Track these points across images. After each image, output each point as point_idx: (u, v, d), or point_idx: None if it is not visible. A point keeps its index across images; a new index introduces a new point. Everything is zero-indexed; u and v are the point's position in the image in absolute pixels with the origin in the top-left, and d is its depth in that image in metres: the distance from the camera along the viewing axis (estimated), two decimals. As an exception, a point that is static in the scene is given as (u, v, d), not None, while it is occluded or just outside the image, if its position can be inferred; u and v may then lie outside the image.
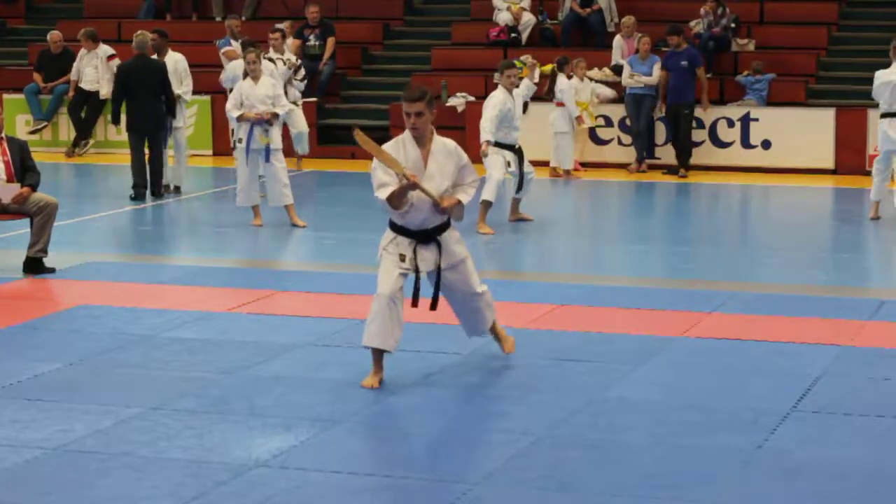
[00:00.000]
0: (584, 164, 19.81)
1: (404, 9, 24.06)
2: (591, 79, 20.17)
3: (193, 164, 18.31)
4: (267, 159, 14.72)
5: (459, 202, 8.59)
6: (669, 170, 19.32)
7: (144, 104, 16.61)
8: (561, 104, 19.04)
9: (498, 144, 14.45)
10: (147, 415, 7.93)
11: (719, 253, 13.84)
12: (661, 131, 19.73)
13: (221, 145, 20.68)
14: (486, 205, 14.42)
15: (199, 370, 8.91)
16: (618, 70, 20.42)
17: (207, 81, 20.53)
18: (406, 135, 8.57)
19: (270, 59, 17.25)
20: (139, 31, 17.19)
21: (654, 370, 8.92)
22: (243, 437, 7.56)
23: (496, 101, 14.39)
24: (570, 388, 8.50)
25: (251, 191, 14.88)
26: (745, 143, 19.69)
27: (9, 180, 12.14)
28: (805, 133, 19.47)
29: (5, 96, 21.96)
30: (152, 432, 7.61)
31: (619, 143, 20.11)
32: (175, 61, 17.40)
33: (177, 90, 17.15)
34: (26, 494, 6.72)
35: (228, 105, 14.86)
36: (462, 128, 19.48)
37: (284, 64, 17.43)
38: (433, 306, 8.78)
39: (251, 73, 14.77)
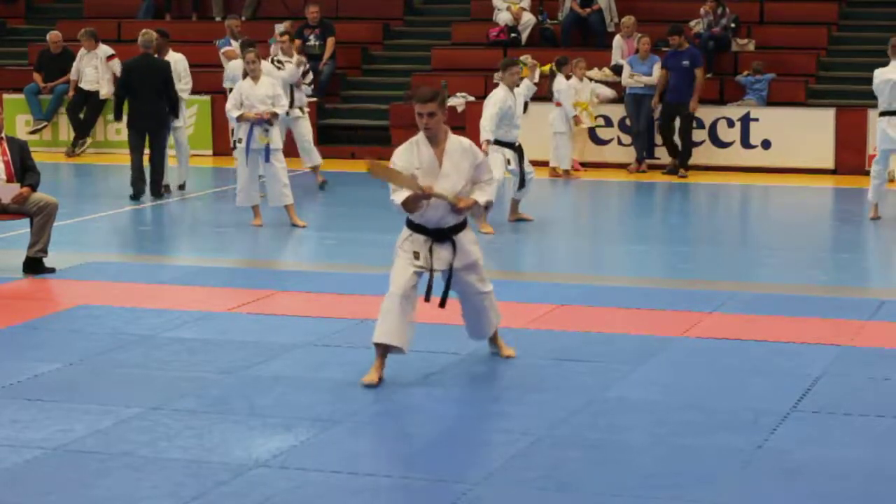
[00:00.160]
0: (584, 164, 19.82)
1: (404, 9, 24.06)
2: (590, 79, 20.17)
3: (193, 164, 18.30)
4: (267, 159, 14.72)
5: (476, 202, 8.66)
6: (668, 170, 19.30)
7: (146, 103, 16.61)
8: (559, 104, 19.04)
9: (498, 142, 14.45)
10: (147, 415, 7.93)
11: (719, 253, 13.84)
12: (660, 131, 19.75)
13: (221, 145, 20.69)
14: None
15: (199, 370, 8.91)
16: (618, 70, 20.42)
17: (207, 81, 20.54)
18: (420, 135, 8.65)
19: (279, 62, 17.20)
20: (145, 31, 17.20)
21: (654, 370, 8.92)
22: (243, 437, 7.56)
23: (497, 99, 14.38)
24: (570, 388, 8.50)
25: (251, 191, 14.88)
26: (745, 143, 19.69)
27: (9, 180, 12.14)
28: (805, 133, 19.47)
29: (5, 96, 21.96)
30: (152, 432, 7.61)
31: (619, 143, 20.11)
32: (175, 61, 17.39)
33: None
34: (26, 494, 6.72)
35: (228, 105, 14.87)
36: (462, 128, 19.45)
37: (297, 66, 17.31)
38: (442, 304, 8.81)
39: (251, 73, 14.76)
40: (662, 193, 18.25)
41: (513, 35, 21.85)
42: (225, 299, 11.05)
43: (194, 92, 18.70)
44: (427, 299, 8.68)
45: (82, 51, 21.36)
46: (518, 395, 8.38)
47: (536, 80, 15.45)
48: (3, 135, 12.31)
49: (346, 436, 7.64)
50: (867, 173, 16.12)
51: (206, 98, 21.14)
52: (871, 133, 18.28)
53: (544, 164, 18.72)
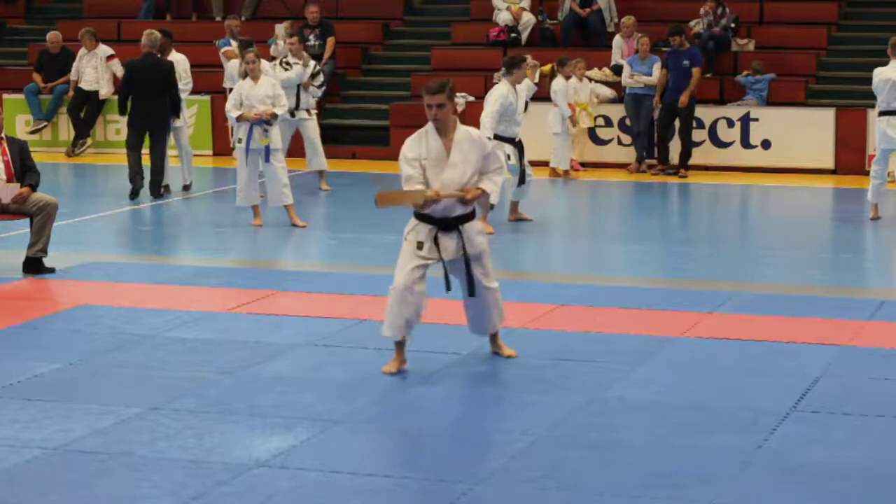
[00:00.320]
0: (584, 164, 19.81)
1: (404, 9, 24.06)
2: (590, 79, 20.17)
3: (193, 164, 18.28)
4: (267, 159, 14.72)
5: (483, 191, 8.71)
6: (665, 170, 19.29)
7: (148, 102, 16.61)
8: (557, 105, 19.04)
9: (498, 137, 14.36)
10: (147, 415, 7.93)
11: (719, 253, 13.85)
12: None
13: (221, 145, 20.70)
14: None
15: (199, 370, 8.91)
16: (617, 70, 20.42)
17: (207, 81, 20.54)
18: (429, 126, 8.75)
19: (287, 63, 17.16)
20: (150, 30, 17.21)
21: (654, 370, 8.92)
22: (243, 437, 7.56)
23: (498, 95, 14.32)
24: (570, 388, 8.50)
25: (251, 191, 14.88)
26: (745, 143, 19.69)
27: (9, 180, 12.13)
28: (805, 133, 19.47)
29: (5, 96, 21.96)
30: (152, 432, 7.61)
31: (619, 143, 20.11)
32: (176, 62, 17.38)
33: (176, 88, 17.16)
34: (26, 494, 6.72)
35: (228, 105, 14.86)
36: (462, 128, 19.45)
37: (304, 66, 17.25)
38: (471, 292, 8.88)
39: (250, 73, 14.75)
40: (662, 193, 18.24)
41: (513, 35, 21.85)
42: (225, 299, 11.05)
43: (194, 92, 18.70)
44: (448, 288, 8.83)
45: (82, 51, 21.36)
46: (518, 395, 8.38)
47: (537, 79, 15.44)
48: (2, 135, 12.31)
49: (346, 436, 7.64)
50: (867, 173, 16.11)
51: (206, 98, 21.14)
52: (871, 133, 18.26)
53: (544, 164, 18.72)
